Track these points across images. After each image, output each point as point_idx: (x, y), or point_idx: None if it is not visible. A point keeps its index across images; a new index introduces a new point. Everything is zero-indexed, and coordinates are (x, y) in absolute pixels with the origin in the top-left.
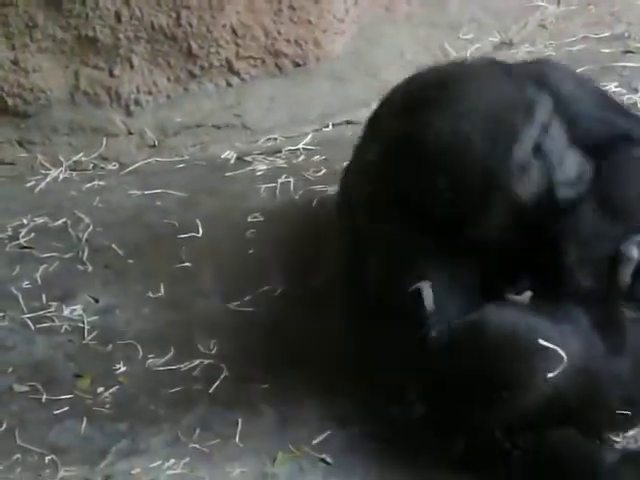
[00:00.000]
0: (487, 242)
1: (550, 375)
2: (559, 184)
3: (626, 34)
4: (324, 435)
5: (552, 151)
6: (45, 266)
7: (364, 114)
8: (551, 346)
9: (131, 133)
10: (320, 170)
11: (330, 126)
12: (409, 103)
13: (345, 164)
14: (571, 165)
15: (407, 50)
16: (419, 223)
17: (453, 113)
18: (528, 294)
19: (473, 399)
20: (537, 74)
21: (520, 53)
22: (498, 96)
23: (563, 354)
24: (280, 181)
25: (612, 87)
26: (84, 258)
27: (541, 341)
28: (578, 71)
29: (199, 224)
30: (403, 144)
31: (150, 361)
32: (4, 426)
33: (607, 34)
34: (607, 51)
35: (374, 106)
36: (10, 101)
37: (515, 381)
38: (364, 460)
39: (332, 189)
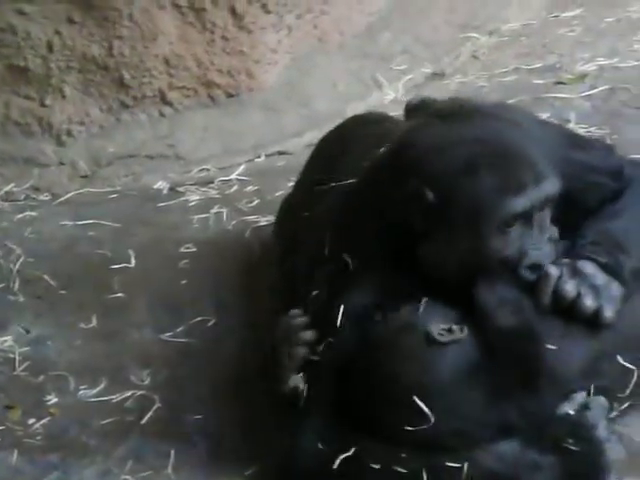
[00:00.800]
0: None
1: (410, 428)
2: (525, 265)
3: (557, 65)
4: (256, 467)
5: (536, 229)
6: None
7: (296, 144)
8: (422, 406)
9: (63, 163)
10: (253, 200)
11: (263, 156)
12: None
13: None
14: (545, 255)
15: (339, 80)
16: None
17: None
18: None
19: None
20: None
21: (452, 84)
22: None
23: (431, 417)
24: (213, 211)
25: (544, 118)
26: (15, 289)
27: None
28: (510, 102)
29: (132, 255)
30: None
31: (82, 392)
32: None
33: (539, 65)
34: (539, 82)
35: (307, 136)
36: None
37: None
38: None
39: (265, 219)
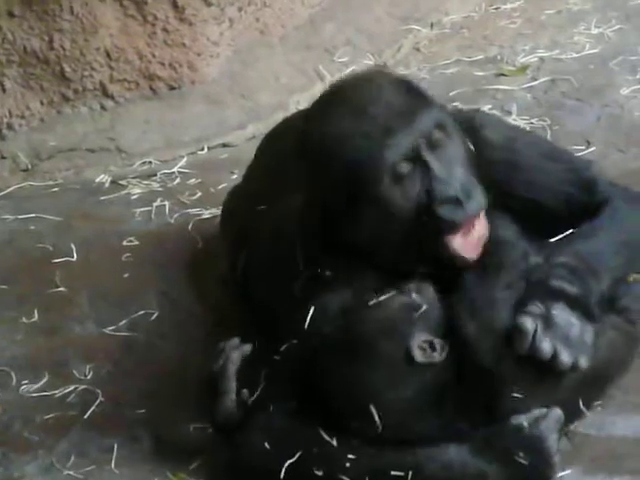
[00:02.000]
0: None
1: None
2: (438, 201)
3: (498, 57)
4: (201, 461)
5: (436, 164)
6: None
7: (239, 137)
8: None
9: (4, 157)
10: (195, 193)
11: (205, 149)
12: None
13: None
14: (455, 183)
15: (282, 73)
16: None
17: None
18: None
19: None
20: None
21: None
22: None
23: (379, 426)
24: (155, 205)
25: (486, 109)
26: None
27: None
28: (452, 94)
29: (74, 248)
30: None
31: (24, 387)
32: None
33: (480, 57)
34: (480, 74)
35: (250, 129)
36: None
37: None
38: None
39: (208, 212)
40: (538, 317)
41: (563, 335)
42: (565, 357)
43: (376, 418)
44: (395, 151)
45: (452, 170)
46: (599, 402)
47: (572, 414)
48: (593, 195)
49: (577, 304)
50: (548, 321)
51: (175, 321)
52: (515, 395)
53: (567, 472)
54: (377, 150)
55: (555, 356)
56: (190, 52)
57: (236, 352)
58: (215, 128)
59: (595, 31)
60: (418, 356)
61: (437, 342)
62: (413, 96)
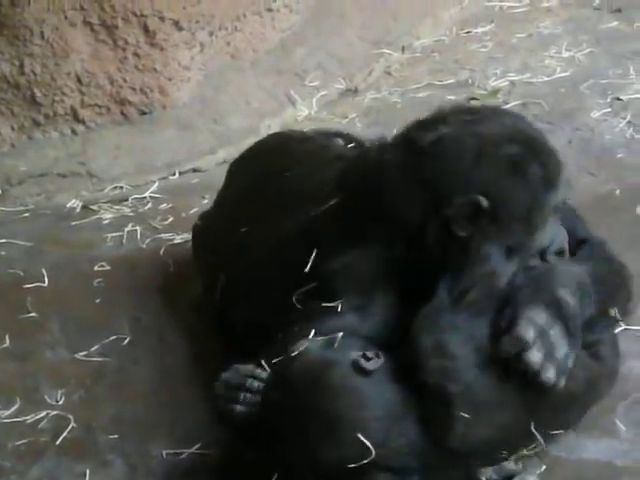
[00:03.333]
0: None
1: (352, 465)
2: (554, 250)
3: (470, 81)
4: None
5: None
6: None
7: (210, 162)
8: (364, 440)
9: None
10: (167, 218)
11: (176, 174)
12: None
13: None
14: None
15: (253, 97)
16: None
17: None
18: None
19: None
20: None
21: (366, 100)
22: None
23: (372, 450)
24: (127, 229)
25: None
26: None
27: (359, 435)
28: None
29: (45, 273)
30: None
31: None
32: None
33: (452, 81)
34: (452, 98)
35: (220, 153)
36: None
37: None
38: None
39: (180, 237)
40: (538, 328)
41: (551, 352)
42: (551, 374)
43: (366, 442)
44: (560, 196)
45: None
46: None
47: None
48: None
49: (570, 324)
50: (545, 335)
51: (147, 346)
52: (463, 415)
53: None
54: (551, 192)
55: (541, 372)
56: (161, 77)
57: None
58: (186, 153)
59: (566, 54)
60: (367, 365)
61: (372, 354)
62: None
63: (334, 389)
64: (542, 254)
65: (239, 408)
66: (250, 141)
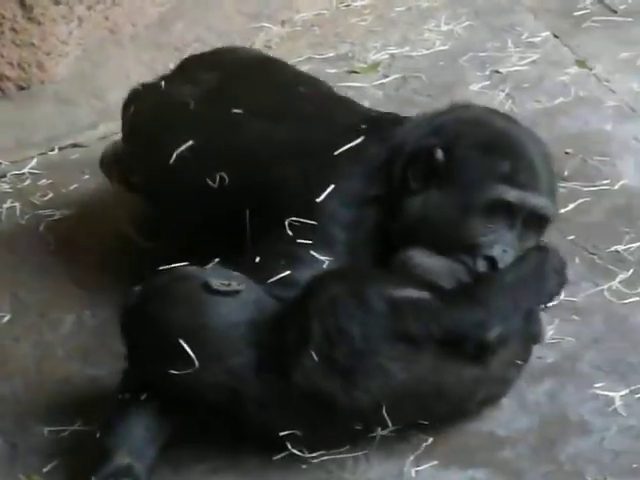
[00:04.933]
0: None
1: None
2: (485, 254)
3: (350, 54)
4: (54, 463)
5: (513, 232)
6: None
7: (90, 137)
8: (187, 350)
9: None
10: (47, 194)
11: (56, 150)
12: None
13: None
14: (505, 258)
15: (133, 72)
16: None
17: None
18: None
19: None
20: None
21: None
22: None
23: (196, 361)
24: (6, 206)
25: None
26: None
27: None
28: None
29: None
30: None
31: None
32: None
33: (332, 55)
34: (332, 71)
35: (101, 128)
36: None
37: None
38: None
39: (59, 213)
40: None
41: None
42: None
43: (188, 350)
44: (512, 195)
45: (513, 244)
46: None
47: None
48: None
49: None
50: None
51: (27, 323)
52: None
53: (422, 467)
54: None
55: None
56: (39, 52)
57: None
58: (66, 128)
59: (445, 28)
60: (215, 284)
61: (234, 283)
62: None
63: (174, 297)
64: (474, 251)
65: None
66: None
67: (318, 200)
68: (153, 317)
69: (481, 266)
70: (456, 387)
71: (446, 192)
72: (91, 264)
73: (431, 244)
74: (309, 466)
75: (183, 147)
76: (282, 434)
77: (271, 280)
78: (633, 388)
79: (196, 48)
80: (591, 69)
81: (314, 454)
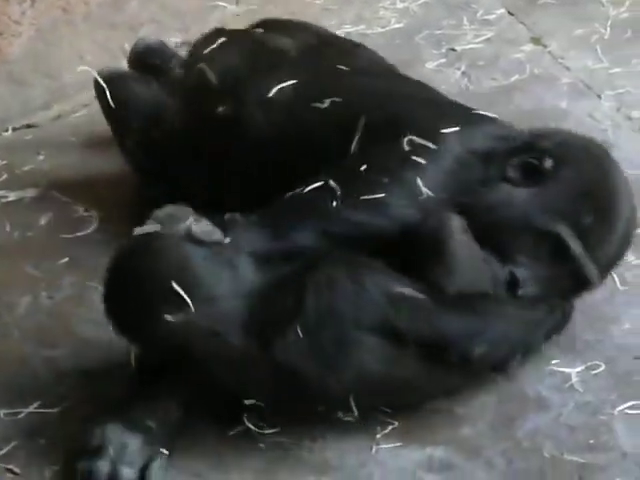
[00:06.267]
0: None
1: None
2: None
3: None
4: (12, 445)
5: None
6: None
7: (44, 117)
8: (181, 292)
9: None
10: (1, 175)
11: (9, 130)
12: None
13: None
14: None
15: (86, 52)
16: None
17: None
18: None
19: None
20: None
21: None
22: None
23: (190, 304)
24: None
25: None
26: None
27: (174, 284)
28: None
29: None
30: None
31: None
32: None
33: None
34: None
35: (55, 109)
36: None
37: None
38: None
39: (14, 194)
40: None
41: None
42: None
43: (181, 292)
44: None
45: None
46: None
47: None
48: None
49: None
50: None
51: None
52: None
53: (381, 445)
54: None
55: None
56: None
57: None
58: (19, 108)
59: (400, 5)
60: (196, 230)
61: (218, 232)
62: None
63: (159, 248)
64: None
65: None
66: (85, 96)
67: (443, 131)
68: (140, 268)
69: (502, 278)
70: (431, 386)
71: (530, 199)
72: (46, 245)
73: (482, 228)
74: (266, 445)
75: (287, 84)
76: (246, 402)
77: (363, 197)
78: (589, 364)
79: (150, 28)
80: (546, 46)
81: (271, 430)
